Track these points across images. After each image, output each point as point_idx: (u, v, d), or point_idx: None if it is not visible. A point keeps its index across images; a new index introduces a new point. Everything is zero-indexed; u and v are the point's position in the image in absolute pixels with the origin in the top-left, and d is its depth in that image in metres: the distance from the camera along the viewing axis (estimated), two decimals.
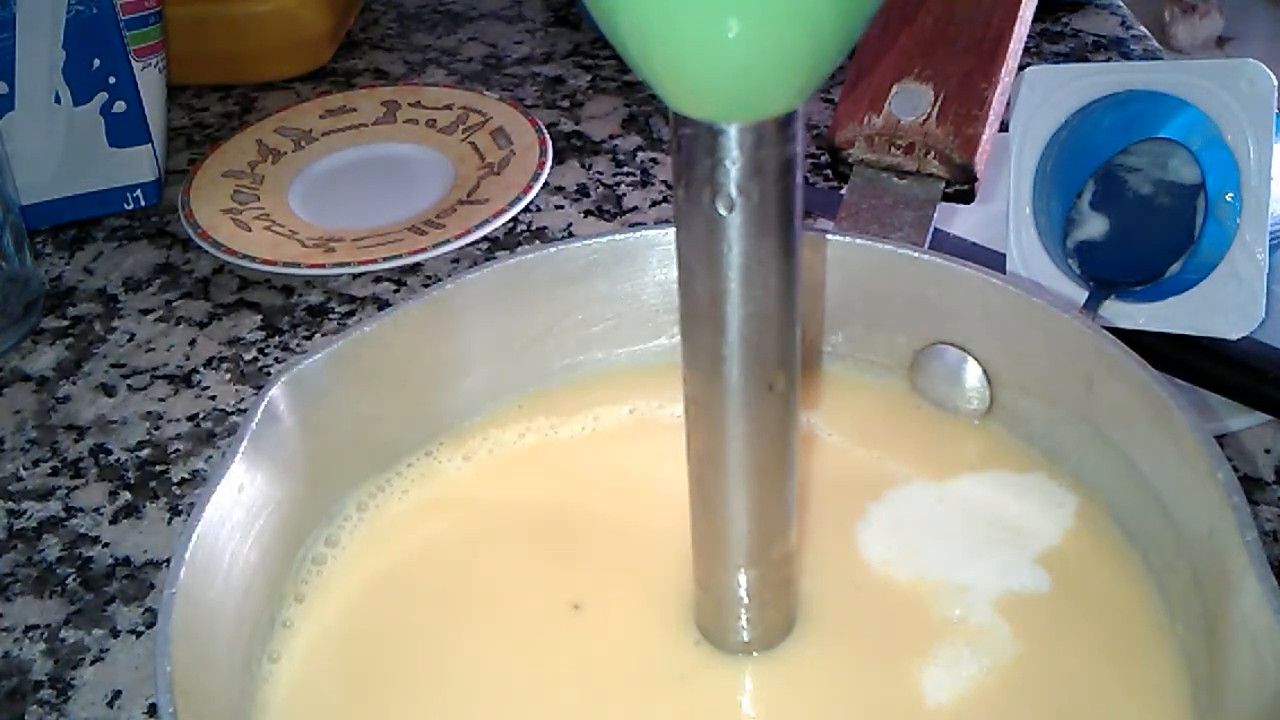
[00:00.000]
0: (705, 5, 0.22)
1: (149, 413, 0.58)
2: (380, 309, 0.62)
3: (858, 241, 0.41)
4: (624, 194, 0.71)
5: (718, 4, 0.22)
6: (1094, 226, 0.52)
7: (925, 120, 0.45)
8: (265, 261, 0.64)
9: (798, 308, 0.29)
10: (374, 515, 0.39)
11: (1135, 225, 0.51)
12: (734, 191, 0.26)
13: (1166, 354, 0.51)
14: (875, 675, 0.34)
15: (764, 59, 0.23)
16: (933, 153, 0.45)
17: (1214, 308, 0.49)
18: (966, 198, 0.46)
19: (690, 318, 0.29)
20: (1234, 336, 0.49)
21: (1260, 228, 0.48)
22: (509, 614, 0.36)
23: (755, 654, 0.34)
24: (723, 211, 0.26)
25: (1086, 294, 0.51)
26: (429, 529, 0.39)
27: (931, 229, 0.44)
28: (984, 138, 0.45)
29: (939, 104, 0.45)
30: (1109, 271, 0.51)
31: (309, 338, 0.62)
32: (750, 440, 0.30)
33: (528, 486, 0.40)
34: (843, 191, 0.46)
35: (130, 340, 0.62)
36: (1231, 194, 0.49)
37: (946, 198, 0.45)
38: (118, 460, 0.55)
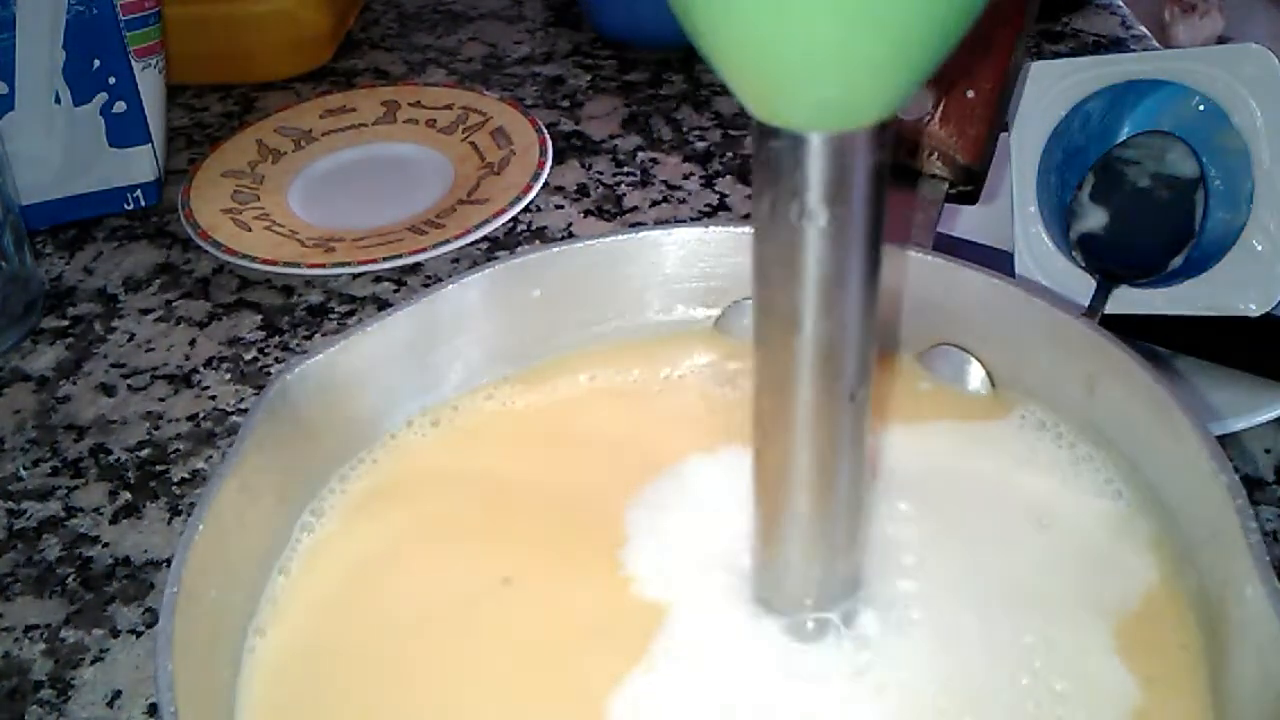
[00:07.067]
0: (799, 15, 0.22)
1: (149, 413, 0.58)
2: (380, 309, 0.62)
3: None
4: (624, 194, 0.71)
5: (812, 14, 0.21)
6: (1094, 219, 0.52)
7: (927, 121, 0.45)
8: (265, 261, 0.64)
9: (876, 317, 0.28)
10: (353, 486, 0.38)
11: (1134, 219, 0.51)
12: (820, 204, 0.25)
13: (1184, 335, 0.51)
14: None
15: (858, 68, 0.23)
16: (936, 154, 0.45)
17: (1233, 287, 0.49)
18: (971, 198, 0.46)
19: (767, 330, 0.28)
20: (1256, 313, 0.49)
21: (1276, 205, 0.48)
22: (446, 588, 0.36)
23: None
24: (806, 224, 0.25)
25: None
26: (396, 503, 0.38)
27: (935, 230, 0.44)
28: (987, 138, 0.45)
29: (941, 105, 0.45)
30: (1111, 263, 0.51)
31: (309, 338, 0.62)
32: (825, 453, 0.29)
33: (489, 455, 0.40)
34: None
35: (130, 340, 0.62)
36: (1234, 182, 0.49)
37: (950, 199, 0.45)
38: (118, 460, 0.55)
